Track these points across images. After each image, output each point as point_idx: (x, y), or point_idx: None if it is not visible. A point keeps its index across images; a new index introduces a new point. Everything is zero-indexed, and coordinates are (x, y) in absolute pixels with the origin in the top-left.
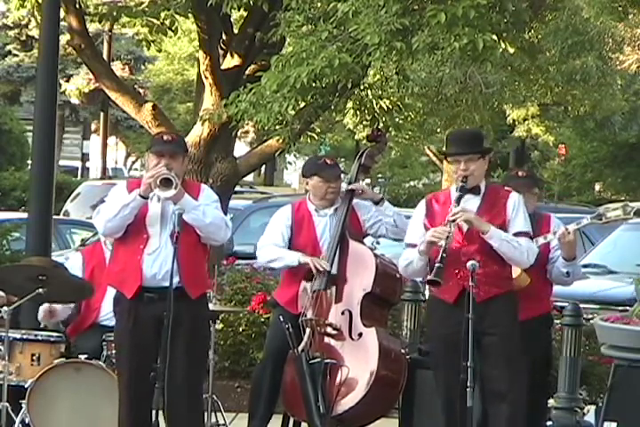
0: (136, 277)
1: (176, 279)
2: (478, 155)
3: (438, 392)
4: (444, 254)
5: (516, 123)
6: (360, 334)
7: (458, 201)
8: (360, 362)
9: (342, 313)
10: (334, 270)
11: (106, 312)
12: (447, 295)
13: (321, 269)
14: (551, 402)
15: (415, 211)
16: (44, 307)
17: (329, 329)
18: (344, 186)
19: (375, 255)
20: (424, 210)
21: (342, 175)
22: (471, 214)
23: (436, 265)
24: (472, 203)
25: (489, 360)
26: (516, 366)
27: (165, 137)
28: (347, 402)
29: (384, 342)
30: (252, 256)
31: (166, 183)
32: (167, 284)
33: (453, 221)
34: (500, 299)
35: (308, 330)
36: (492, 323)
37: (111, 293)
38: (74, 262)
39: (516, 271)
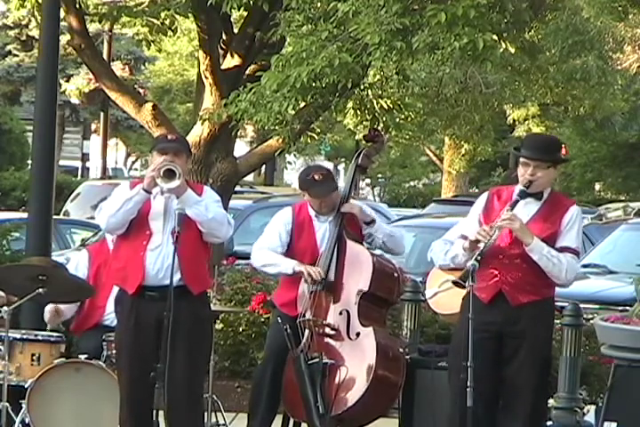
0: (138, 272)
1: (177, 277)
2: (548, 163)
3: (451, 390)
4: (480, 257)
5: (516, 123)
6: (358, 334)
7: (513, 206)
8: (358, 362)
9: (340, 313)
10: (331, 277)
11: (109, 312)
12: (483, 295)
13: (316, 279)
14: (551, 402)
15: (476, 202)
16: (49, 308)
17: (327, 329)
18: (342, 186)
19: (372, 254)
20: (483, 204)
21: (336, 187)
22: (517, 224)
23: (468, 266)
24: (531, 207)
25: (513, 365)
26: (540, 373)
27: (169, 136)
28: (346, 402)
29: (382, 342)
30: None
31: (169, 174)
32: (168, 282)
33: (500, 227)
34: (537, 305)
35: (306, 331)
36: (524, 328)
37: (116, 292)
38: (80, 259)
39: None
